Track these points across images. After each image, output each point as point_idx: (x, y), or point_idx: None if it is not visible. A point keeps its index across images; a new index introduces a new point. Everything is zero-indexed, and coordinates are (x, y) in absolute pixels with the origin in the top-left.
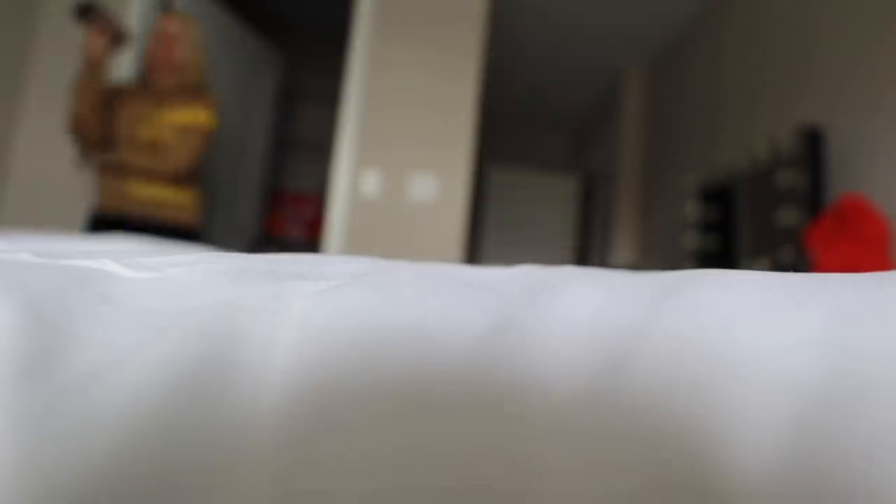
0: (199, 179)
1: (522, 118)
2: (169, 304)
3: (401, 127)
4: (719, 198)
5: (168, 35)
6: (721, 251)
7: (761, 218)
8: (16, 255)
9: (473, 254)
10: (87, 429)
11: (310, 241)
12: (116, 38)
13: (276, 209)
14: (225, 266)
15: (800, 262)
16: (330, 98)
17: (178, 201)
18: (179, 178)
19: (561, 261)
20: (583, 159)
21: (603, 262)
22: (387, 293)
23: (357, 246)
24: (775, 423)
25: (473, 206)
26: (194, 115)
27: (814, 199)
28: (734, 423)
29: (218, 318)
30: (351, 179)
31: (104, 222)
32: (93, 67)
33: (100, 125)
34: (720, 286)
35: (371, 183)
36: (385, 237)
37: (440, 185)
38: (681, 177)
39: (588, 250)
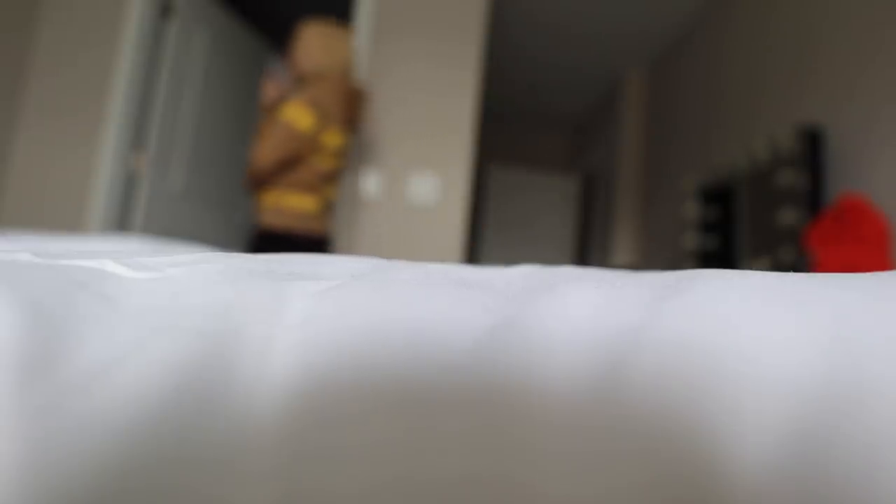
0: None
1: (522, 118)
2: (169, 303)
3: (401, 127)
4: (719, 198)
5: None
6: (721, 251)
7: (761, 218)
8: (16, 255)
9: (473, 254)
10: (88, 427)
11: None
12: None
13: None
14: (225, 266)
15: (800, 262)
16: None
17: (263, 205)
18: (260, 179)
19: (561, 261)
20: (583, 160)
21: (603, 262)
22: (387, 293)
23: (357, 246)
24: (776, 422)
25: (473, 206)
26: (284, 111)
27: (814, 199)
28: (735, 422)
29: (218, 318)
30: (351, 179)
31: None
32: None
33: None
34: (720, 286)
35: (371, 183)
36: (385, 238)
37: (440, 185)
38: (681, 177)
39: (588, 250)
